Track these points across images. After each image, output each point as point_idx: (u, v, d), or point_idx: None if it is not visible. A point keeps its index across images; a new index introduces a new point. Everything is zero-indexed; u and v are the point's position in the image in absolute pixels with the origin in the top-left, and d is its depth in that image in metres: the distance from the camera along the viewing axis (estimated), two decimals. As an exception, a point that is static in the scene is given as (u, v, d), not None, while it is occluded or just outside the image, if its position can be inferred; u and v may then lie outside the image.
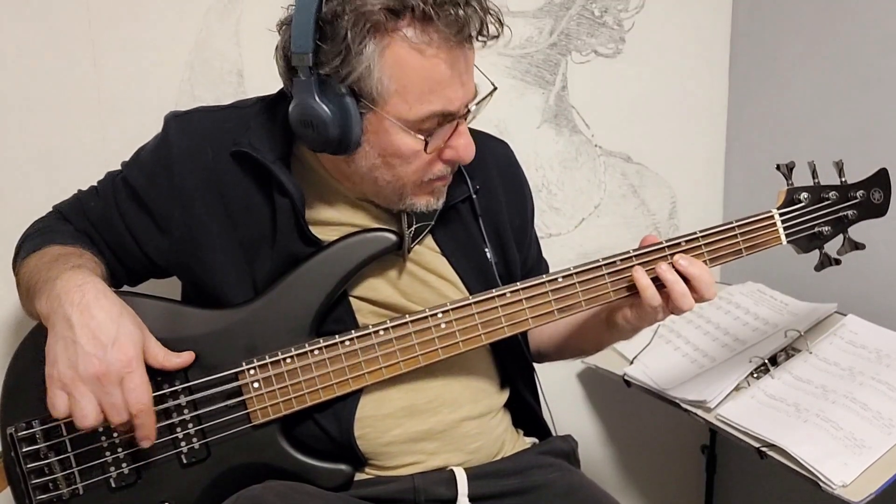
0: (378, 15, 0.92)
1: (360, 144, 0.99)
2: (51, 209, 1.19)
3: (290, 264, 1.06)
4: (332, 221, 1.09)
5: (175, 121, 1.12)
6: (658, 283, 1.05)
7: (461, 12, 0.94)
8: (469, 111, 1.01)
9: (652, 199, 1.86)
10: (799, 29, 1.67)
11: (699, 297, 1.06)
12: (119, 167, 1.16)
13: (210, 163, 1.08)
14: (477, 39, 0.98)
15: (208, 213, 1.07)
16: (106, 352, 0.93)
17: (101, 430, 1.02)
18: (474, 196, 1.14)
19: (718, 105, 1.87)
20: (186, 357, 1.03)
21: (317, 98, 0.96)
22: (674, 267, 1.06)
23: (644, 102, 1.81)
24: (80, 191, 1.18)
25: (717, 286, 1.04)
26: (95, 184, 1.17)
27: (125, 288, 1.17)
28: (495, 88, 1.03)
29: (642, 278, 1.05)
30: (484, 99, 1.03)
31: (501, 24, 1.00)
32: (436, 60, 0.95)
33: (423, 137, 0.98)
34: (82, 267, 1.02)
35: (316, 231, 1.07)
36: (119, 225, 1.12)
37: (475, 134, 1.05)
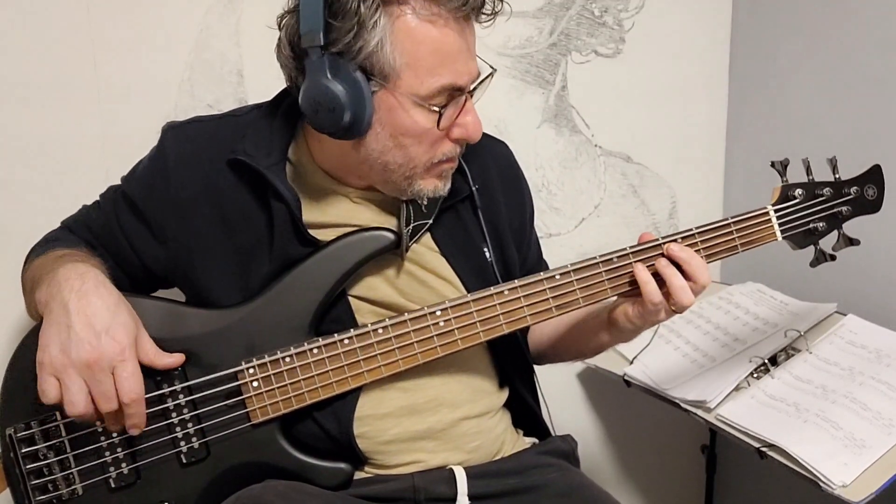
0: None
1: (371, 125, 0.99)
2: (59, 224, 1.19)
3: (289, 267, 1.07)
4: (330, 223, 1.09)
5: (171, 132, 1.12)
6: (656, 279, 1.06)
7: None
8: (474, 90, 1.02)
9: (652, 199, 1.87)
10: (799, 29, 1.67)
11: (694, 283, 1.06)
12: (119, 178, 1.16)
13: (206, 172, 1.08)
14: (479, 18, 1.00)
15: (205, 222, 1.08)
16: (99, 339, 0.94)
17: (99, 429, 1.02)
18: (475, 191, 1.14)
19: (718, 105, 1.88)
20: (177, 358, 1.03)
21: (329, 76, 0.96)
22: (668, 258, 1.06)
23: (644, 102, 1.81)
24: (84, 205, 1.20)
25: (715, 286, 1.04)
26: (98, 198, 1.19)
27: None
28: (494, 70, 1.03)
29: (642, 273, 1.05)
30: (485, 79, 1.03)
31: (502, 0, 1.01)
32: (446, 31, 0.96)
33: (436, 109, 0.98)
34: (85, 262, 1.04)
35: (315, 234, 1.07)
36: (119, 236, 1.13)
37: None
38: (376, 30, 0.94)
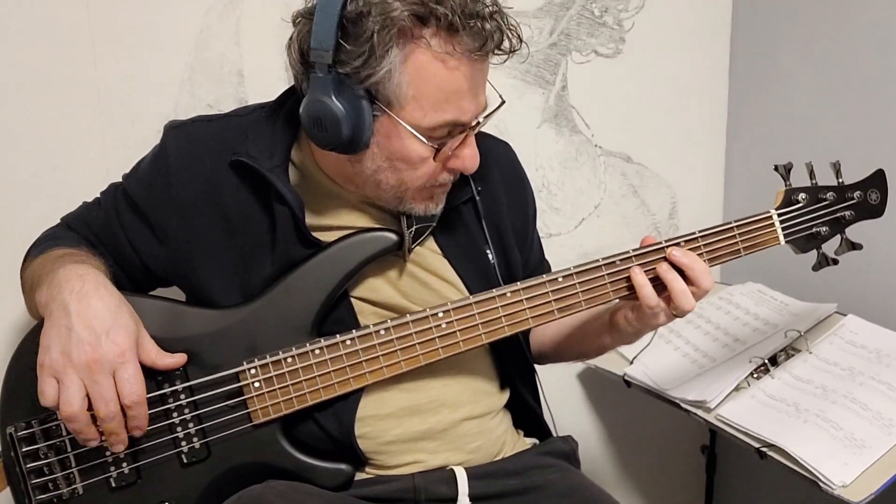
0: (405, 21, 0.92)
1: (368, 146, 0.99)
2: (59, 221, 1.19)
3: (291, 268, 1.07)
4: (332, 226, 1.09)
5: (173, 131, 1.12)
6: (658, 283, 1.06)
7: (487, 26, 0.94)
8: (479, 122, 1.02)
9: (652, 199, 1.87)
10: (799, 29, 1.67)
11: (697, 288, 1.06)
12: (120, 177, 1.16)
13: (208, 173, 1.08)
14: (494, 53, 0.98)
15: (206, 223, 1.08)
16: (100, 341, 0.94)
17: (100, 429, 1.02)
18: (477, 197, 1.14)
19: (718, 105, 1.88)
20: (179, 358, 1.03)
21: (333, 97, 0.95)
22: (671, 263, 1.06)
23: (644, 102, 1.81)
24: (84, 202, 1.19)
25: (715, 286, 1.04)
26: (99, 195, 1.18)
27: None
28: (503, 102, 1.03)
29: (638, 276, 1.05)
30: (493, 112, 1.03)
31: (521, 40, 1.00)
32: (457, 73, 0.95)
33: (434, 145, 0.99)
34: (86, 262, 1.04)
35: (317, 236, 1.07)
36: (120, 235, 1.12)
37: (477, 135, 1.05)
38: (387, 59, 0.93)
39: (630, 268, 1.06)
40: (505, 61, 1.00)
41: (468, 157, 1.02)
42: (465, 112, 0.99)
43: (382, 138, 0.99)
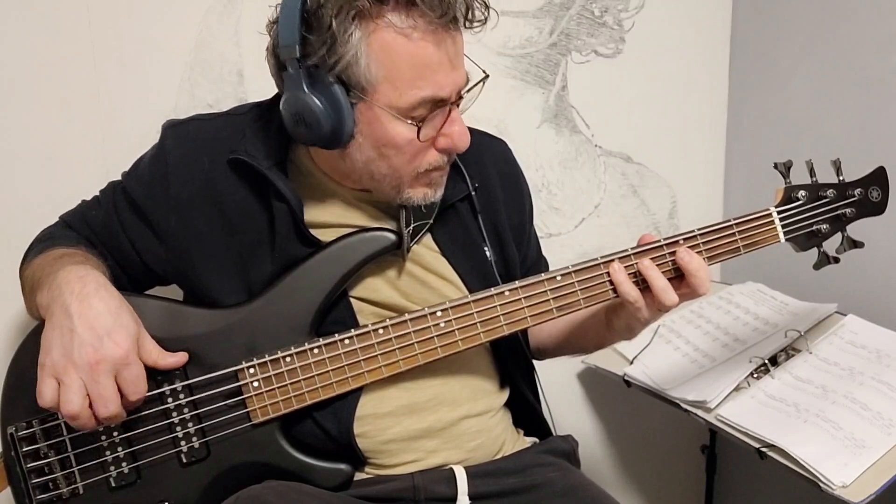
0: (361, 1, 0.92)
1: (353, 136, 0.99)
2: (57, 219, 1.19)
3: (290, 267, 1.07)
4: (331, 223, 1.09)
5: (171, 130, 1.12)
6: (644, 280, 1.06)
7: None
8: (461, 98, 1.01)
9: (652, 199, 1.87)
10: (799, 29, 1.67)
11: (691, 293, 1.06)
12: (119, 175, 1.17)
13: (206, 171, 1.08)
14: (464, 25, 0.98)
15: (205, 221, 1.08)
16: (102, 341, 0.94)
17: (100, 428, 1.02)
18: (473, 194, 1.14)
19: (718, 105, 1.88)
20: (180, 357, 1.03)
21: (306, 90, 0.96)
22: (672, 261, 1.06)
23: (644, 102, 1.81)
24: (83, 201, 1.19)
25: (715, 285, 1.04)
26: (98, 193, 1.18)
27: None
28: (487, 76, 1.02)
29: (617, 274, 1.05)
30: (475, 86, 1.02)
31: (487, 7, 0.99)
32: (423, 44, 0.94)
33: (415, 124, 0.98)
34: (85, 263, 1.04)
35: (315, 234, 1.07)
36: (119, 233, 1.13)
37: (473, 132, 1.05)
38: (350, 43, 0.93)
39: (633, 265, 1.06)
40: (473, 30, 0.99)
41: (457, 134, 1.01)
42: (442, 87, 0.97)
43: (365, 126, 0.99)
